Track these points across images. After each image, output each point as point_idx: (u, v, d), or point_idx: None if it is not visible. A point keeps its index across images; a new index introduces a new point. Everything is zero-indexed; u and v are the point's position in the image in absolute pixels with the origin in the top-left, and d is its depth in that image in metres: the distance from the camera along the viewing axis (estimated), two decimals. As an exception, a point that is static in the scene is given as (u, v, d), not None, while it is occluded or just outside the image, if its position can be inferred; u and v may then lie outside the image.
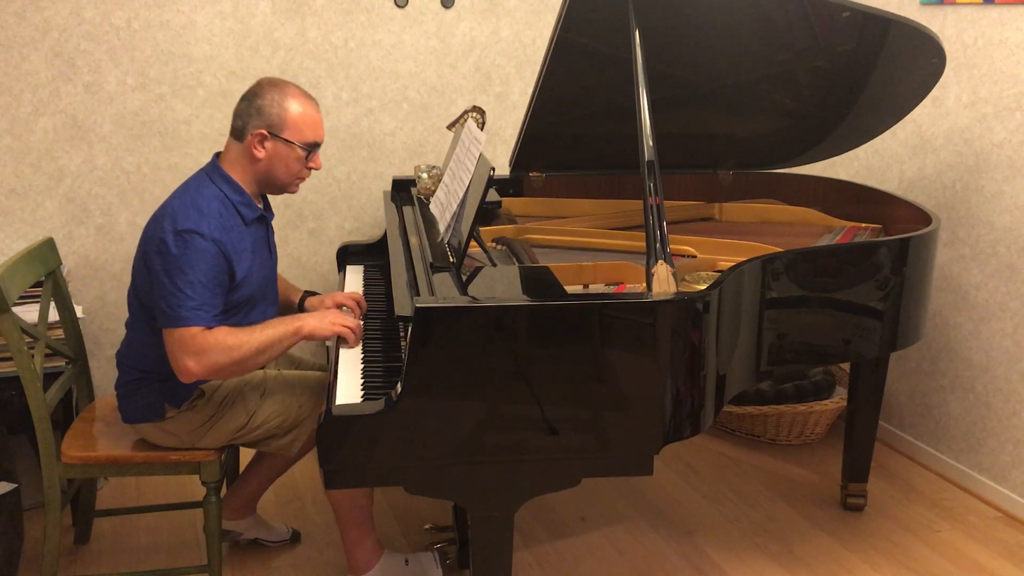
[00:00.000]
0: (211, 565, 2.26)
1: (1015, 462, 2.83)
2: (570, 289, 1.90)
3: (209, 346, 1.98)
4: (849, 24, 2.43)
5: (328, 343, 2.46)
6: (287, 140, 2.11)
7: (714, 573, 2.52)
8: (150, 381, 2.16)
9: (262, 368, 2.36)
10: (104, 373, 3.00)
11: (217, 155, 2.19)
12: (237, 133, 2.14)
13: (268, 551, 2.58)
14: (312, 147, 2.15)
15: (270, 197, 2.32)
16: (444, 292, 1.84)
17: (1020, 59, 2.72)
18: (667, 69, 2.49)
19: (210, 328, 2.00)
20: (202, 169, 2.18)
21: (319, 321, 2.13)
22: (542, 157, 2.88)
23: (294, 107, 2.11)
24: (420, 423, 1.75)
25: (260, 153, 2.11)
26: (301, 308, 2.46)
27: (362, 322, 2.22)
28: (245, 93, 2.15)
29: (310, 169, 2.19)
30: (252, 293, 2.17)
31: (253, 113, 2.10)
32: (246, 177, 2.15)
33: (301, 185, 2.27)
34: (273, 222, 3.27)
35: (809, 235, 2.70)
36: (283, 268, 3.20)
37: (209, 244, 2.01)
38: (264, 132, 2.09)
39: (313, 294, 2.51)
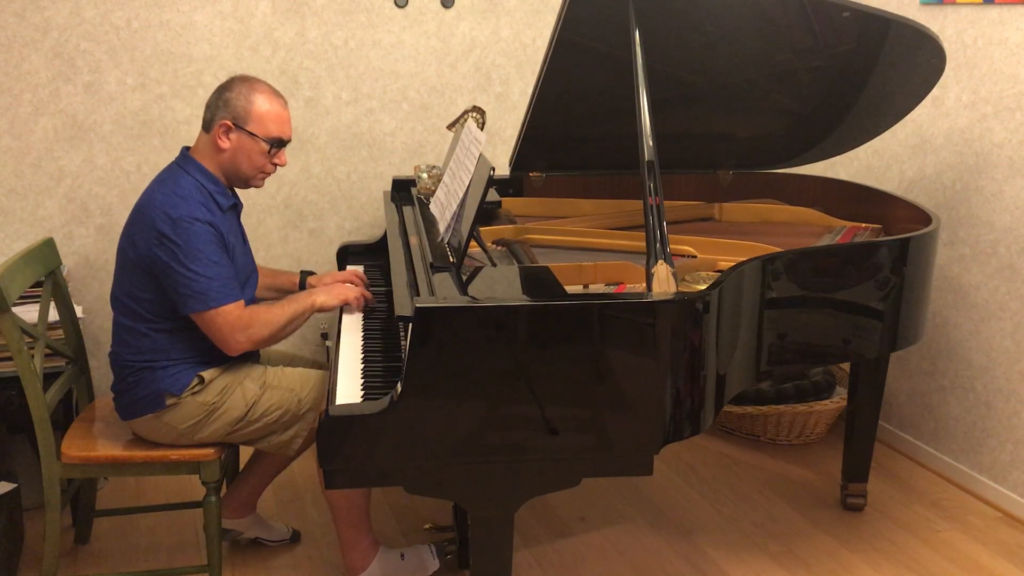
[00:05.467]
0: (211, 565, 2.26)
1: (1015, 462, 2.83)
2: (570, 289, 1.90)
3: (253, 320, 2.13)
4: (849, 24, 2.43)
5: (328, 343, 2.46)
6: (251, 133, 2.15)
7: (714, 573, 2.52)
8: (149, 371, 2.16)
9: (263, 364, 2.37)
10: (104, 373, 2.99)
11: (186, 148, 2.23)
12: (206, 124, 2.19)
13: (268, 551, 2.58)
14: (276, 143, 2.19)
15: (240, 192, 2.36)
16: (444, 292, 1.84)
17: (1020, 59, 2.72)
18: (667, 69, 2.48)
19: (243, 302, 2.11)
20: (173, 162, 2.22)
21: (327, 295, 2.29)
22: (542, 157, 2.87)
23: (260, 101, 2.15)
24: (420, 423, 1.75)
25: (224, 144, 2.16)
26: (302, 287, 2.53)
27: (371, 295, 2.37)
28: (218, 87, 2.19)
29: (275, 165, 2.23)
30: (239, 273, 2.22)
31: (221, 105, 2.15)
32: (215, 167, 2.20)
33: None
34: (273, 222, 3.26)
35: (809, 235, 2.70)
36: (283, 268, 3.20)
37: (206, 227, 2.08)
38: (229, 123, 2.14)
39: (310, 273, 2.58)
